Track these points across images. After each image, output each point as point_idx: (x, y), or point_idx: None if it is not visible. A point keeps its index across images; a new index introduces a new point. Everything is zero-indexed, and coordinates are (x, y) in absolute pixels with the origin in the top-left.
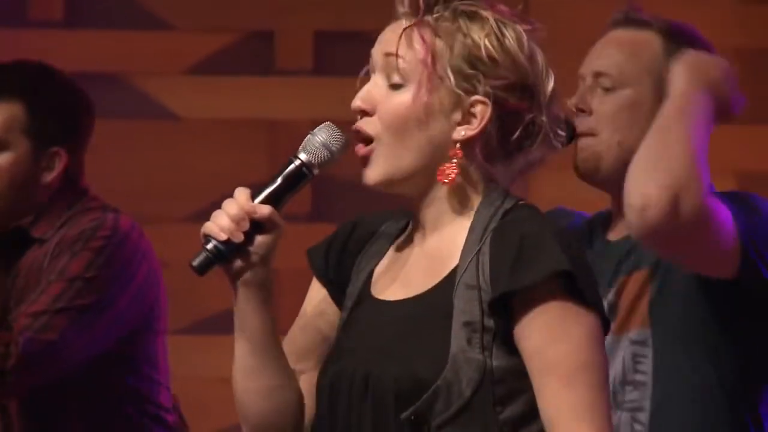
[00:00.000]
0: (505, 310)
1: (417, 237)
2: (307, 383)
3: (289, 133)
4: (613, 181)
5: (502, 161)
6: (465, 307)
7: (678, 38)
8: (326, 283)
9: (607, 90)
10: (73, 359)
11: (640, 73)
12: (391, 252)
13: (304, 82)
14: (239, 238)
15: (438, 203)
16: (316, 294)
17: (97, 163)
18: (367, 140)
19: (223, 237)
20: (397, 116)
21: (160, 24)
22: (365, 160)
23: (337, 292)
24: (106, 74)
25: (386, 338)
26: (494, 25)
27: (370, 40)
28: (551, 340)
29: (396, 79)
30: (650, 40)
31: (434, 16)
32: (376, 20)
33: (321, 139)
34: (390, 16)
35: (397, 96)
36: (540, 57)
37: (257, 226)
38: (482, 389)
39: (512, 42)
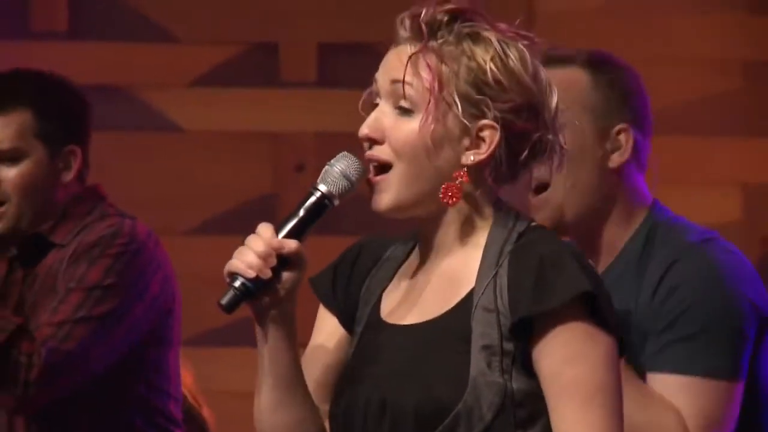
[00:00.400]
0: (525, 332)
1: (427, 260)
2: (326, 414)
3: (292, 145)
4: (577, 224)
5: (510, 181)
6: (483, 331)
7: (602, 68)
8: (336, 311)
9: None
10: (93, 368)
11: (575, 112)
12: (399, 276)
13: (307, 94)
14: (268, 274)
15: (448, 227)
16: (327, 323)
17: (101, 174)
18: (382, 168)
19: (252, 274)
20: (407, 143)
21: (164, 36)
22: (375, 187)
23: (347, 320)
24: (110, 86)
25: (402, 363)
26: (498, 46)
27: (373, 52)
28: (570, 362)
29: (404, 105)
30: (577, 76)
31: (438, 41)
32: (379, 32)
33: (339, 169)
34: (392, 29)
35: (406, 123)
36: (542, 73)
37: (283, 260)
38: (503, 413)
39: (516, 62)
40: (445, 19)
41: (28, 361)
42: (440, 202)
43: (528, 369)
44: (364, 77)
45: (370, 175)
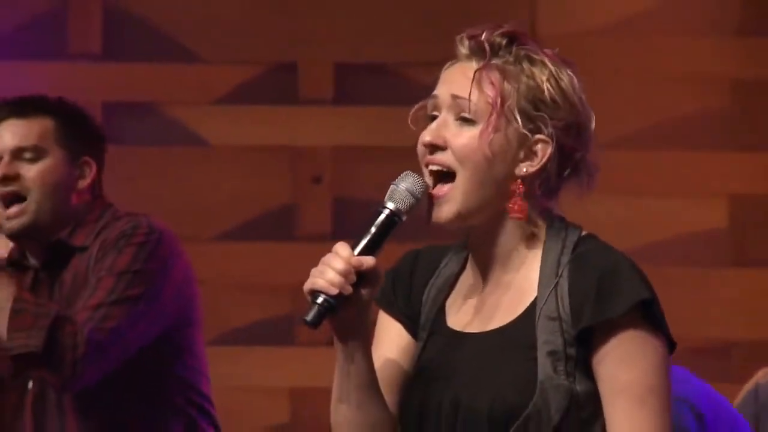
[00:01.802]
0: (587, 339)
1: (487, 270)
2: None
3: (310, 158)
4: None
5: (553, 195)
6: (548, 338)
7: None
8: (400, 318)
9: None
10: (132, 347)
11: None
12: (460, 285)
13: (325, 111)
14: (349, 291)
15: (505, 237)
16: (390, 330)
17: (131, 186)
18: (443, 176)
19: (334, 292)
20: (470, 149)
21: (190, 57)
22: (438, 200)
23: (412, 326)
24: (140, 104)
25: (473, 370)
26: (552, 68)
27: (387, 71)
28: (626, 365)
29: (466, 116)
30: None
31: (500, 60)
32: (393, 53)
33: (405, 186)
34: (403, 50)
35: (468, 131)
36: (584, 97)
37: (360, 276)
38: (569, 414)
39: (568, 85)
40: (504, 41)
41: (73, 342)
42: (495, 213)
43: (589, 371)
44: (379, 95)
45: (432, 188)
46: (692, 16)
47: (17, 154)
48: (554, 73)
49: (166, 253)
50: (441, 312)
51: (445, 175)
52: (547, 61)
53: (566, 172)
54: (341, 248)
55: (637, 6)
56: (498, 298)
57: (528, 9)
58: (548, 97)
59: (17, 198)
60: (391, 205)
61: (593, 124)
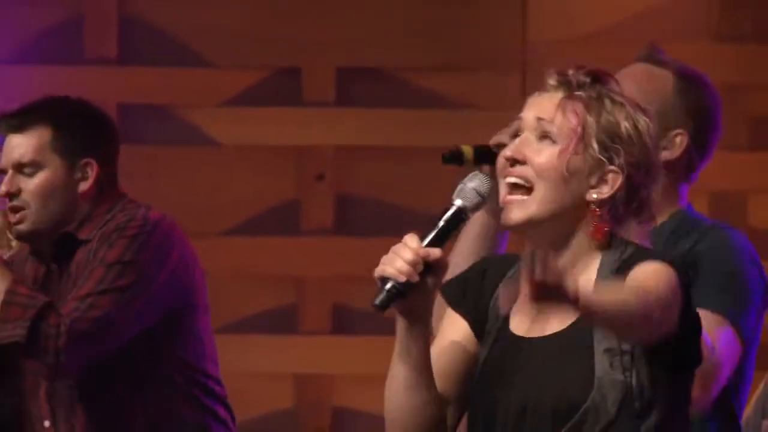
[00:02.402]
0: None
1: None
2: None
3: (313, 157)
4: None
5: (621, 223)
6: (603, 337)
7: (688, 79)
8: (468, 317)
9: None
10: (118, 336)
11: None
12: (523, 294)
13: (327, 113)
14: (416, 279)
15: (569, 251)
16: (457, 325)
17: (145, 184)
18: (519, 187)
19: (403, 279)
20: (549, 165)
21: (201, 62)
22: (509, 205)
23: (478, 327)
24: (154, 106)
25: (537, 370)
26: (630, 110)
27: (385, 76)
28: (642, 270)
29: (548, 135)
30: (666, 77)
31: (584, 94)
32: (390, 59)
33: (473, 186)
34: (402, 55)
35: (548, 148)
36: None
37: (427, 266)
38: (625, 406)
39: (644, 126)
40: (589, 79)
41: (57, 332)
42: (561, 228)
43: (643, 364)
44: (378, 98)
45: (505, 195)
46: (673, 23)
47: (18, 168)
48: (631, 114)
49: (159, 243)
50: (506, 319)
51: (521, 188)
52: (626, 103)
53: (633, 205)
54: (410, 239)
55: (622, 14)
56: (557, 305)
57: (519, 17)
58: (624, 134)
59: (20, 209)
60: (458, 202)
61: (661, 170)
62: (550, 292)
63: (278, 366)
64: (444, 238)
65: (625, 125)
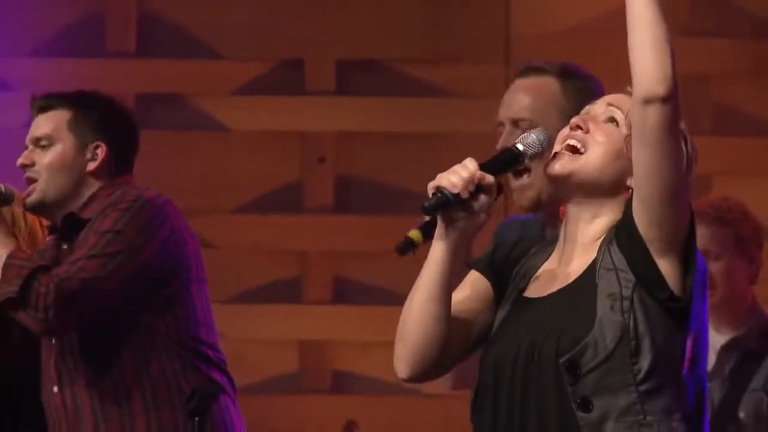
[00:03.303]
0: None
1: (565, 251)
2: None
3: (315, 142)
4: (550, 204)
5: None
6: (606, 284)
7: (571, 77)
8: (491, 278)
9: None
10: (104, 298)
11: (548, 114)
12: (544, 267)
13: (328, 101)
14: (466, 195)
15: (597, 220)
16: (478, 279)
17: (161, 166)
18: (577, 152)
19: (456, 190)
20: (608, 138)
21: (212, 54)
22: (559, 155)
23: (499, 289)
24: (169, 95)
25: (546, 315)
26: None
27: (381, 67)
28: None
29: (615, 118)
30: (549, 83)
31: None
32: (386, 51)
33: (536, 136)
34: (398, 48)
35: (612, 127)
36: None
37: (478, 189)
38: (622, 343)
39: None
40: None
41: (46, 290)
42: (602, 198)
43: (641, 310)
44: (375, 88)
45: (560, 149)
46: None
47: (36, 142)
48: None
49: (149, 217)
50: (525, 286)
51: (576, 151)
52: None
53: None
54: (469, 162)
55: (597, 10)
56: (572, 270)
57: (503, 13)
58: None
59: (34, 181)
60: (520, 147)
61: (696, 163)
62: None
63: (283, 333)
64: (499, 170)
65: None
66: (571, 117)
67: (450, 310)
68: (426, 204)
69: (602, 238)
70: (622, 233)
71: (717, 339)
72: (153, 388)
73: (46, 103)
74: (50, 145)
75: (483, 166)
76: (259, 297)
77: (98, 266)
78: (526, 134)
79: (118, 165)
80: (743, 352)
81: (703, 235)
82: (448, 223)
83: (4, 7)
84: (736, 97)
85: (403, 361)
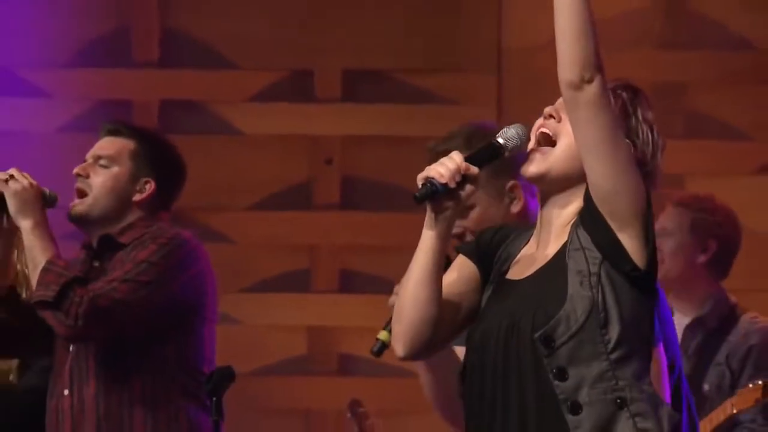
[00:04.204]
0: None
1: (541, 238)
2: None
3: (323, 145)
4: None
5: None
6: (575, 263)
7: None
8: (477, 263)
9: None
10: (128, 321)
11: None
12: (522, 253)
13: (335, 108)
14: (453, 185)
15: (568, 209)
16: (465, 263)
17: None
18: (549, 141)
19: (444, 180)
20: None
21: (229, 65)
22: (532, 155)
23: (484, 272)
24: (190, 101)
25: (524, 296)
26: (628, 108)
27: (384, 76)
28: None
29: None
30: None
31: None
32: (388, 62)
33: (515, 131)
34: (397, 60)
35: None
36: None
37: (463, 179)
38: (592, 316)
39: (650, 117)
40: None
41: (80, 300)
42: (571, 188)
43: (609, 279)
44: (377, 95)
45: (534, 145)
46: (623, 33)
47: (96, 159)
48: (637, 115)
49: (182, 255)
50: (507, 270)
51: (548, 140)
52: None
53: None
54: (456, 155)
55: None
56: (546, 253)
57: (494, 27)
58: (633, 124)
59: (83, 194)
60: (500, 141)
61: (660, 149)
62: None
63: (294, 319)
64: (482, 162)
65: (634, 123)
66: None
67: (441, 293)
68: (416, 194)
69: (572, 221)
70: (586, 214)
71: (682, 320)
72: (154, 404)
73: (116, 128)
74: (109, 166)
75: (468, 159)
76: (271, 287)
77: (130, 290)
78: (506, 129)
79: (160, 202)
80: (706, 331)
81: (666, 213)
82: (437, 212)
83: (41, 23)
84: (707, 104)
85: (399, 340)
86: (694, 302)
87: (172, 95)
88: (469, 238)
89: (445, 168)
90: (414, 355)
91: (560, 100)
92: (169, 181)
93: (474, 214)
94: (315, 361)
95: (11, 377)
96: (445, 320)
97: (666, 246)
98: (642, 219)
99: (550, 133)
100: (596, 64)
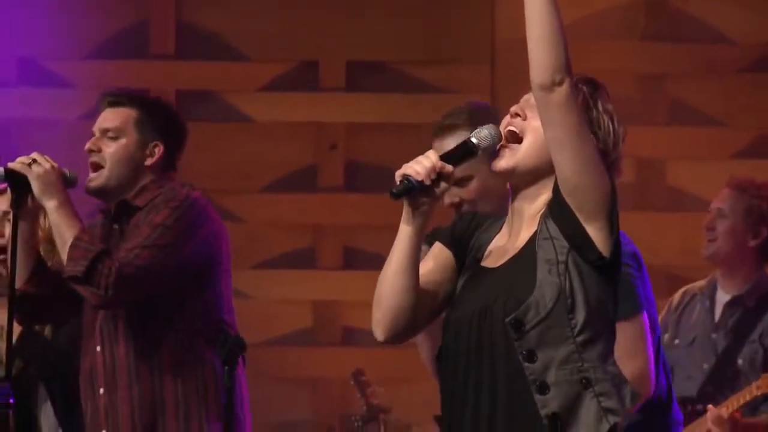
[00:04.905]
0: (569, 215)
1: (516, 223)
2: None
3: (328, 131)
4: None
5: None
6: (544, 251)
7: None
8: (453, 249)
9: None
10: (155, 283)
11: None
12: (494, 241)
13: (339, 97)
14: (428, 182)
15: (537, 200)
16: (442, 251)
17: (198, 153)
18: (516, 138)
19: (420, 178)
20: (540, 132)
21: (241, 57)
22: (502, 152)
23: (460, 259)
24: (204, 91)
25: (496, 284)
26: (589, 100)
27: (386, 67)
28: None
29: None
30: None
31: (584, 87)
32: (390, 53)
33: (488, 131)
34: (398, 52)
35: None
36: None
37: (438, 177)
38: (559, 302)
39: (600, 118)
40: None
41: (108, 271)
42: (539, 182)
43: (576, 268)
44: (379, 85)
45: (504, 142)
46: (611, 27)
47: (104, 133)
48: (590, 102)
49: (195, 216)
50: (481, 256)
51: (515, 137)
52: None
53: None
54: (432, 153)
55: (573, 16)
56: (517, 242)
57: (489, 21)
58: (595, 116)
59: (98, 167)
60: (474, 140)
61: (622, 138)
62: None
63: (301, 294)
64: (456, 161)
65: (595, 115)
66: None
67: (418, 281)
68: (394, 190)
69: (541, 212)
70: (554, 206)
71: (723, 297)
72: (180, 356)
73: (116, 99)
74: (117, 137)
75: (443, 157)
76: (280, 264)
77: (151, 256)
78: (479, 129)
79: (169, 162)
80: (744, 309)
81: (722, 195)
82: (414, 207)
83: (65, 18)
84: (688, 93)
85: (379, 325)
86: (737, 282)
87: (188, 85)
88: (466, 207)
89: (422, 166)
90: (393, 339)
91: (525, 97)
92: (175, 141)
93: (473, 184)
94: (320, 333)
95: (46, 333)
96: (423, 306)
97: (720, 226)
98: (607, 210)
99: (517, 131)
100: (566, 68)
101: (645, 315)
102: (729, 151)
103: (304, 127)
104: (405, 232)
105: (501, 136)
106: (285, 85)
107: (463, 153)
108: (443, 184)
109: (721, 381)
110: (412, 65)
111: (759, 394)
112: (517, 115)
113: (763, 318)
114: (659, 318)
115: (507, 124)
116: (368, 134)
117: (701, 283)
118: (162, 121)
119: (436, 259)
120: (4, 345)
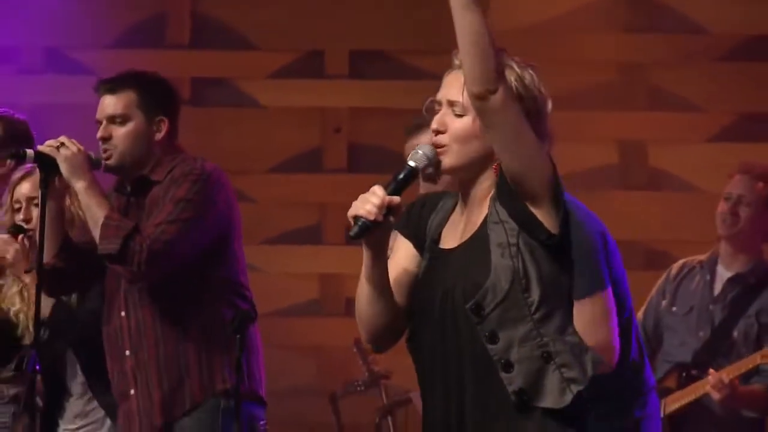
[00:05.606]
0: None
1: (467, 208)
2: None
3: (333, 116)
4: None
5: None
6: (496, 235)
7: None
8: (411, 239)
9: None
10: (181, 255)
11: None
12: (452, 219)
13: (343, 84)
14: (381, 219)
15: (479, 186)
16: (403, 245)
17: (211, 136)
18: (442, 146)
19: (372, 218)
20: (463, 132)
21: (250, 45)
22: (441, 155)
23: (419, 246)
24: (217, 79)
25: (454, 268)
26: (517, 71)
27: (387, 57)
28: None
29: (458, 111)
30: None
31: None
32: (391, 43)
33: (423, 152)
34: (399, 40)
35: (460, 121)
36: (543, 88)
37: (388, 210)
38: (515, 283)
39: (530, 81)
40: None
41: (140, 248)
42: (477, 172)
43: (528, 248)
44: (381, 72)
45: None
46: (596, 19)
47: (111, 120)
48: (519, 73)
49: (212, 188)
50: (438, 239)
51: (443, 146)
52: (514, 65)
53: None
54: (378, 189)
55: (565, 8)
56: (470, 224)
57: (484, 10)
58: (516, 93)
59: (113, 154)
60: (412, 164)
61: (549, 107)
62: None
63: (307, 268)
64: (401, 189)
65: (515, 85)
66: None
67: (392, 298)
68: (351, 233)
69: (491, 195)
70: (502, 191)
71: (725, 273)
72: (202, 317)
73: (113, 85)
74: (124, 122)
75: (389, 190)
76: (288, 239)
77: (176, 230)
78: (414, 152)
79: (173, 131)
80: (744, 286)
81: (747, 184)
82: (371, 244)
83: (87, 9)
84: (667, 81)
85: (366, 339)
86: (741, 261)
87: (202, 73)
88: None
89: (371, 205)
90: (385, 348)
91: (444, 82)
92: (174, 109)
93: (444, 179)
94: (325, 305)
95: (72, 301)
96: (402, 306)
97: (743, 212)
98: (551, 190)
99: (444, 145)
100: (497, 76)
101: (609, 291)
102: (706, 134)
103: (310, 112)
104: (368, 261)
105: (435, 151)
106: (292, 73)
107: (405, 179)
108: (395, 214)
109: (715, 350)
110: (412, 54)
111: (763, 362)
112: (438, 132)
113: (762, 295)
114: (657, 285)
115: (434, 142)
116: (370, 119)
117: (701, 257)
118: (160, 95)
119: (399, 252)
120: (32, 314)
